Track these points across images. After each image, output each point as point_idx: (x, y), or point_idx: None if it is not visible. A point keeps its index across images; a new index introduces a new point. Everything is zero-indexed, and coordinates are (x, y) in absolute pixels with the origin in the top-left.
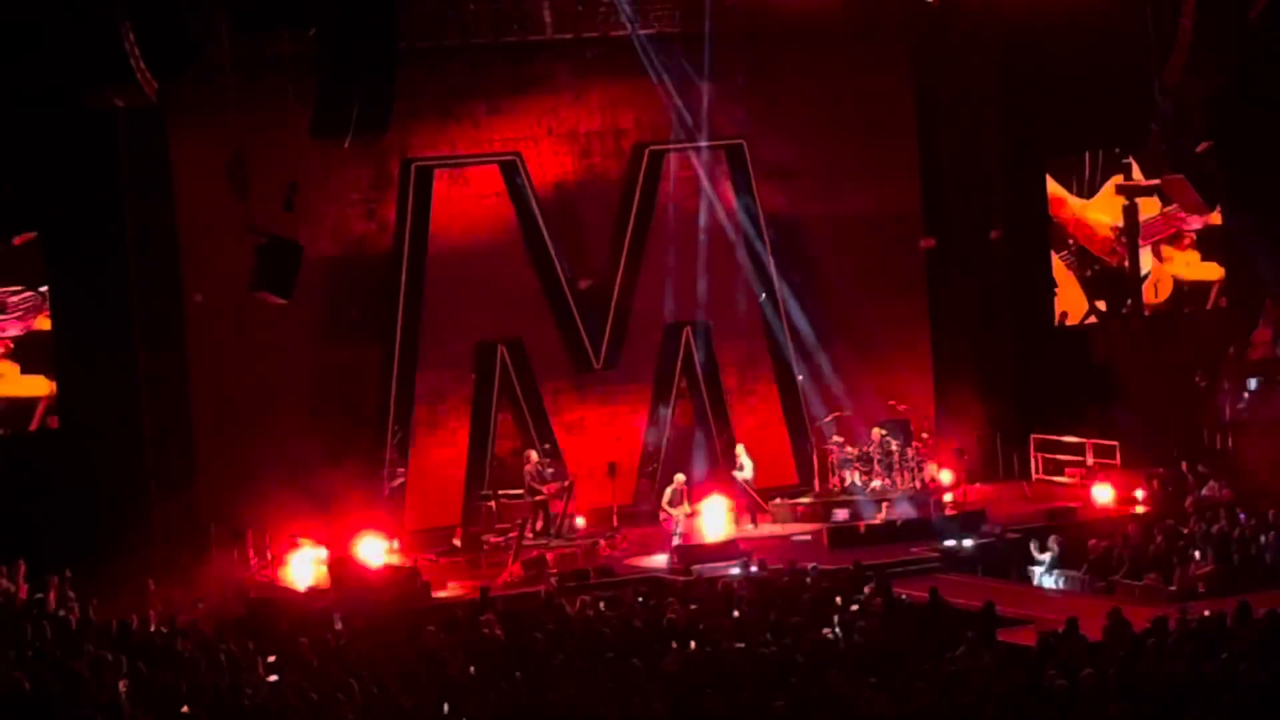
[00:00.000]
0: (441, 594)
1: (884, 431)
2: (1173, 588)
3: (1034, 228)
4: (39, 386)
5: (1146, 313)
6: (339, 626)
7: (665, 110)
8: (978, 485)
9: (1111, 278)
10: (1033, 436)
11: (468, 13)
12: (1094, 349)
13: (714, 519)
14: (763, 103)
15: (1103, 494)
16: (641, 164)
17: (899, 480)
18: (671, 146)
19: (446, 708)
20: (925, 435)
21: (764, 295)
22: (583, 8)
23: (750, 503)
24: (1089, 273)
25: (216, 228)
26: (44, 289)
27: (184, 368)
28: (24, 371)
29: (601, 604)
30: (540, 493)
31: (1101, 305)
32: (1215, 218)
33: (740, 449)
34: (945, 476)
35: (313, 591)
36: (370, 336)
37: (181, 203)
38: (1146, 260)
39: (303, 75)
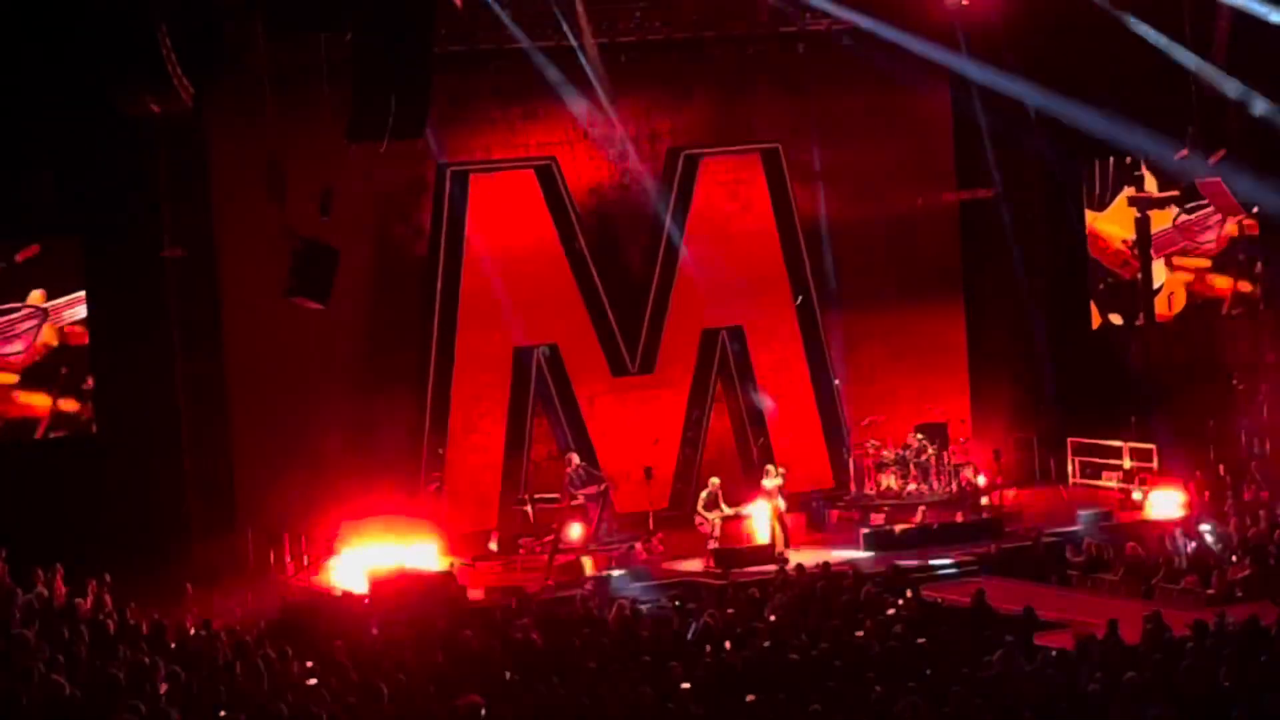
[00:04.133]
0: (477, 598)
1: (920, 435)
2: (1211, 591)
3: (1072, 231)
4: (40, 403)
5: (1159, 324)
6: (375, 630)
7: (701, 114)
8: (1014, 489)
9: (1124, 290)
10: (1070, 440)
11: (503, 17)
12: (1131, 354)
13: (754, 522)
14: (799, 107)
15: (1162, 500)
16: (677, 168)
17: (935, 484)
18: (706, 151)
19: (484, 712)
20: (961, 439)
21: (799, 299)
22: (618, 12)
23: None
24: (1101, 285)
25: (253, 233)
26: (46, 305)
27: (221, 372)
28: (24, 388)
29: (644, 606)
30: (576, 497)
31: (1115, 318)
32: (1232, 230)
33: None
34: (981, 480)
35: (349, 595)
36: (407, 341)
37: (218, 207)
38: (1159, 272)
39: (339, 80)
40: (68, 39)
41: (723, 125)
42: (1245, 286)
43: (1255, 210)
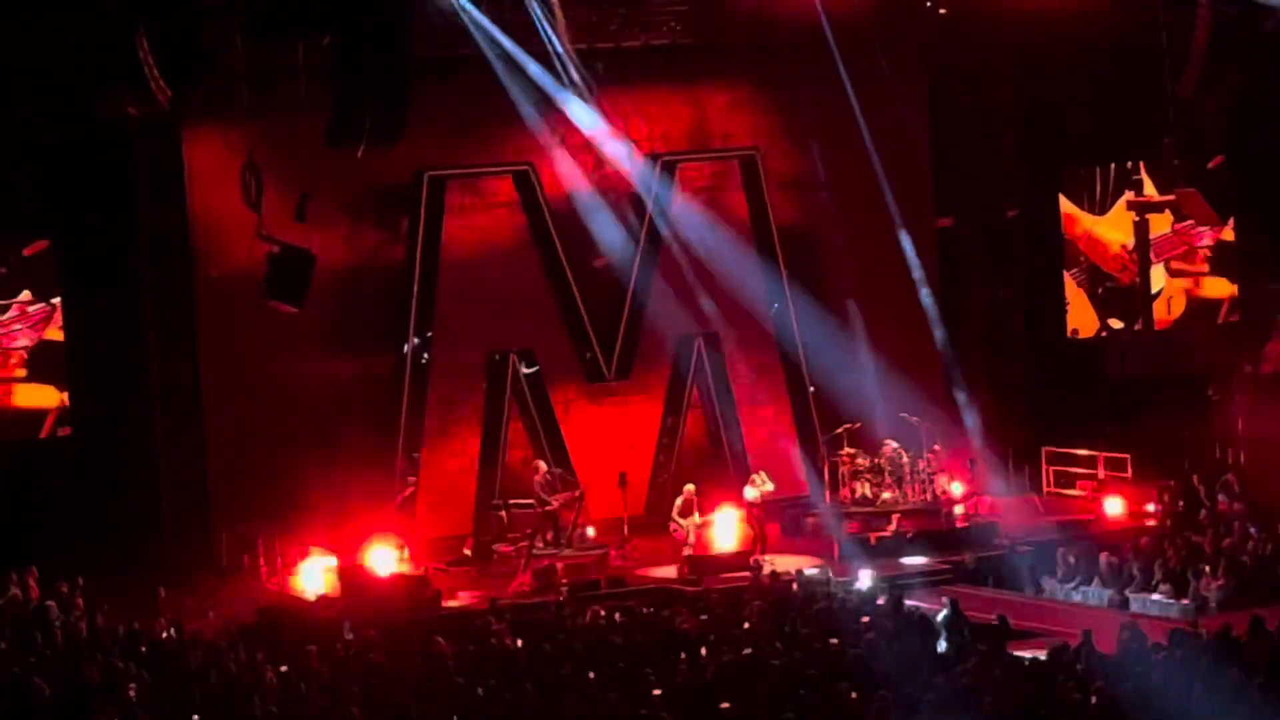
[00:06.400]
0: (452, 603)
1: (895, 443)
2: (1185, 602)
3: (1047, 240)
4: (48, 397)
5: (1158, 329)
6: (349, 635)
7: (678, 120)
8: (988, 498)
9: (1123, 295)
10: (1044, 449)
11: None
12: (1107, 362)
13: (725, 529)
14: (776, 113)
15: (1114, 507)
16: (653, 174)
17: (910, 492)
18: (684, 156)
19: (455, 717)
20: (937, 447)
21: (776, 306)
22: (596, 18)
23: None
24: (1100, 290)
25: (230, 237)
26: (55, 300)
27: (196, 375)
28: (31, 381)
29: (617, 614)
30: (550, 503)
31: (1114, 323)
32: (1227, 233)
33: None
34: (956, 489)
35: (323, 600)
36: (382, 346)
37: (195, 211)
38: (1159, 277)
39: (317, 85)
40: (46, 41)
41: (700, 132)
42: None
43: (1231, 221)
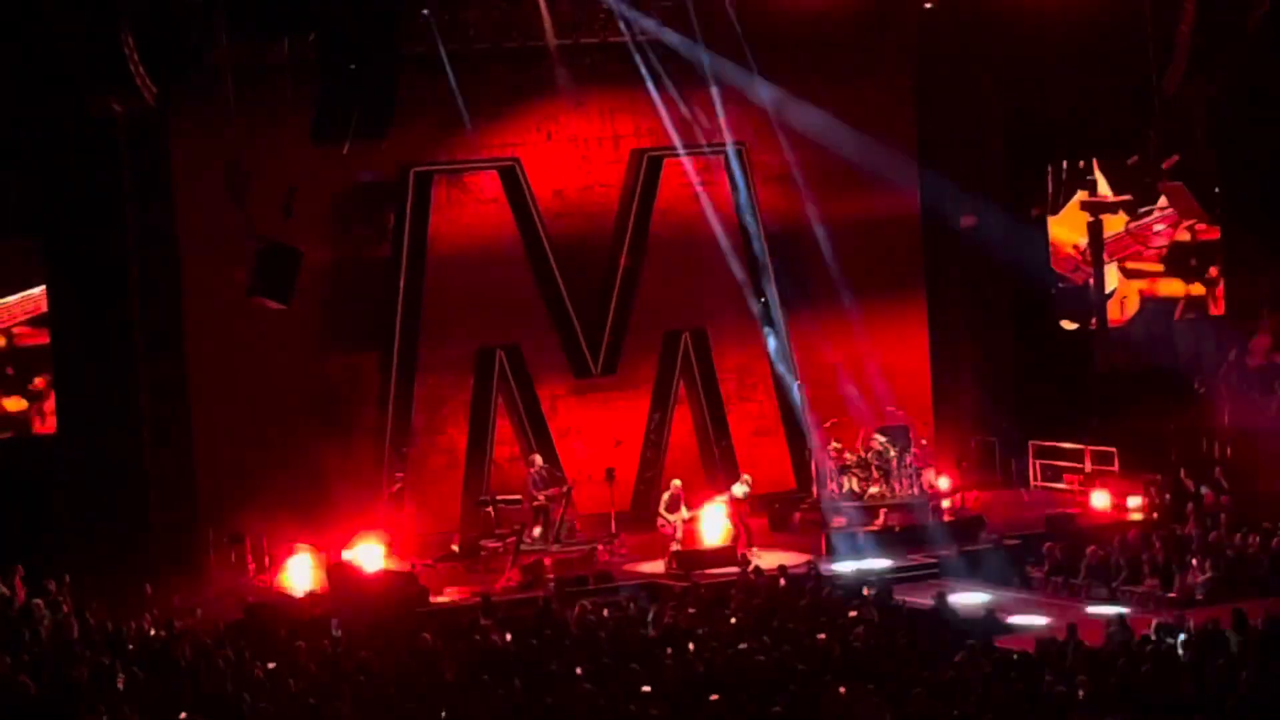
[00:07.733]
0: (439, 599)
1: (882, 438)
2: (1171, 595)
3: (1035, 234)
4: None
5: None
6: (337, 632)
7: (664, 116)
8: (975, 492)
9: (1076, 296)
10: (1031, 443)
11: (467, 19)
12: (1096, 357)
13: (712, 524)
14: (762, 109)
15: (1101, 500)
16: (640, 169)
17: (897, 487)
18: (669, 152)
19: (444, 713)
20: (923, 441)
21: (762, 300)
22: (581, 14)
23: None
24: (1053, 290)
25: (216, 233)
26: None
27: (183, 373)
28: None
29: (605, 610)
30: (538, 498)
31: (1067, 324)
32: (1183, 234)
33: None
34: (943, 483)
35: (311, 597)
36: (369, 342)
37: (181, 208)
38: (1112, 277)
39: (303, 81)
40: (31, 39)
41: (686, 127)
42: (1198, 290)
43: (1217, 213)
